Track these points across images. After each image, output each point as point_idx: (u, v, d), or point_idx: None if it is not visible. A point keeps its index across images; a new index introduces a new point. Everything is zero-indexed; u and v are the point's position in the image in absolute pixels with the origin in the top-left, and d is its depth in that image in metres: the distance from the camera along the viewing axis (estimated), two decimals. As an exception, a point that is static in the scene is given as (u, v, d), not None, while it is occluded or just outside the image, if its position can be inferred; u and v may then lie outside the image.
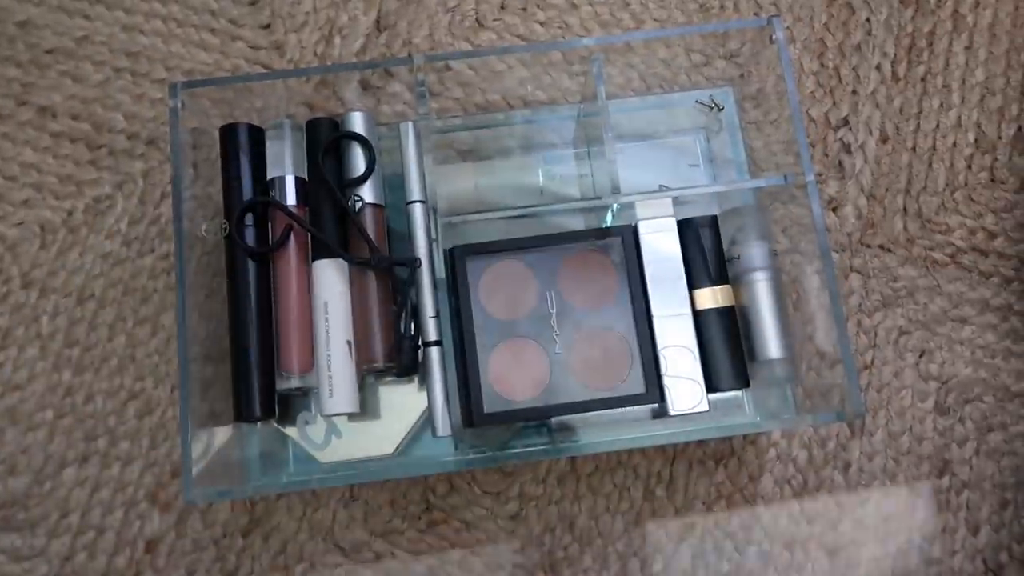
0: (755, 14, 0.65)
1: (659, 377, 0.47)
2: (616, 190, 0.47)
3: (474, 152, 0.62)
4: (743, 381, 0.48)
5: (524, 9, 0.66)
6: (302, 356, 0.49)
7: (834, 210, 0.62)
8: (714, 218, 0.49)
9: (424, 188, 0.51)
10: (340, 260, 0.49)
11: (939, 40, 0.65)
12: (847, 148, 0.63)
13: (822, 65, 0.65)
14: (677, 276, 0.48)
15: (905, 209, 0.62)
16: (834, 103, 0.64)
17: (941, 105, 0.64)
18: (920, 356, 0.59)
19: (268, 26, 0.65)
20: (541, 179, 0.57)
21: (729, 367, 0.48)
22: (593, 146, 0.55)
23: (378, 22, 0.65)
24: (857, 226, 0.61)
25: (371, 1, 0.66)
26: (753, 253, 0.48)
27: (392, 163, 0.54)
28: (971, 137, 0.63)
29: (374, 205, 0.50)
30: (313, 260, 0.49)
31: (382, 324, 0.49)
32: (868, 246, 0.61)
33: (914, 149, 0.63)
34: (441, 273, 0.47)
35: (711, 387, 0.47)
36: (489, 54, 0.55)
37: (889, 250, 0.61)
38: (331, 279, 0.49)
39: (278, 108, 0.63)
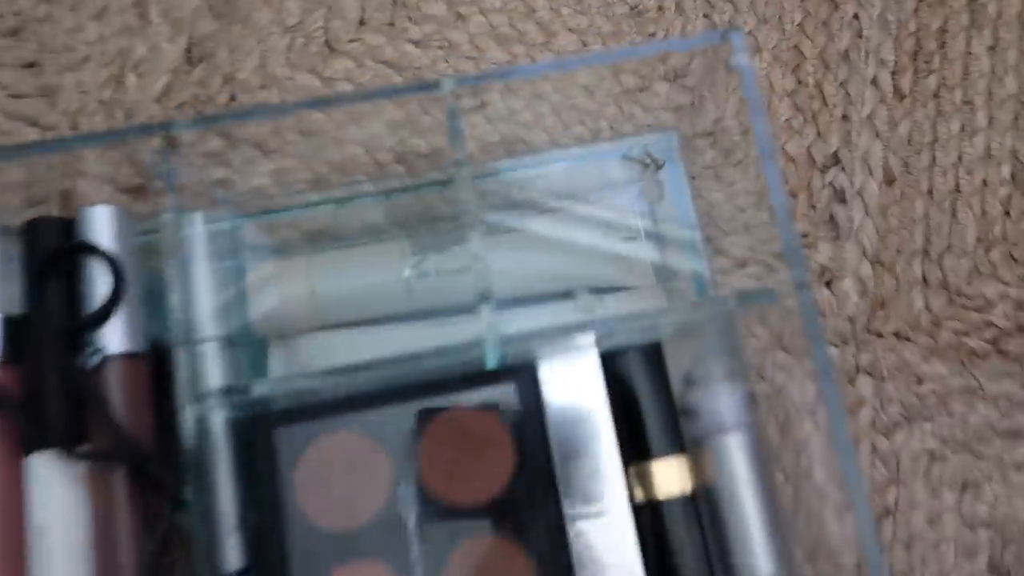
0: (704, 16, 0.48)
1: (583, 613, 0.30)
2: (485, 297, 0.30)
3: (328, 234, 0.44)
4: (715, 613, 0.30)
5: (391, 24, 0.47)
6: (11, 613, 0.30)
7: (828, 284, 0.45)
8: (657, 347, 0.32)
9: (213, 314, 0.33)
10: (67, 454, 0.30)
11: (954, 40, 0.48)
12: (840, 196, 0.46)
13: (799, 82, 0.47)
14: (605, 444, 0.31)
15: (925, 278, 0.45)
16: (818, 134, 0.47)
17: (963, 129, 0.47)
18: (962, 492, 0.42)
19: (35, 64, 0.47)
20: (407, 275, 0.39)
21: (693, 592, 0.30)
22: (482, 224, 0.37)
23: (189, 51, 0.47)
24: (861, 307, 0.44)
25: (179, 23, 0.47)
26: (721, 403, 0.31)
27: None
28: (1006, 171, 0.46)
29: (127, 356, 0.32)
30: (27, 454, 0.31)
31: (137, 555, 0.30)
32: (879, 335, 0.44)
33: (931, 193, 0.46)
34: (224, 457, 0.29)
35: (666, 623, 0.30)
36: (263, 116, 0.36)
37: (908, 339, 0.44)
38: (51, 487, 0.30)
39: (47, 183, 0.45)
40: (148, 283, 0.34)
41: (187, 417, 0.29)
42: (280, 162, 0.46)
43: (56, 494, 0.30)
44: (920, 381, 0.43)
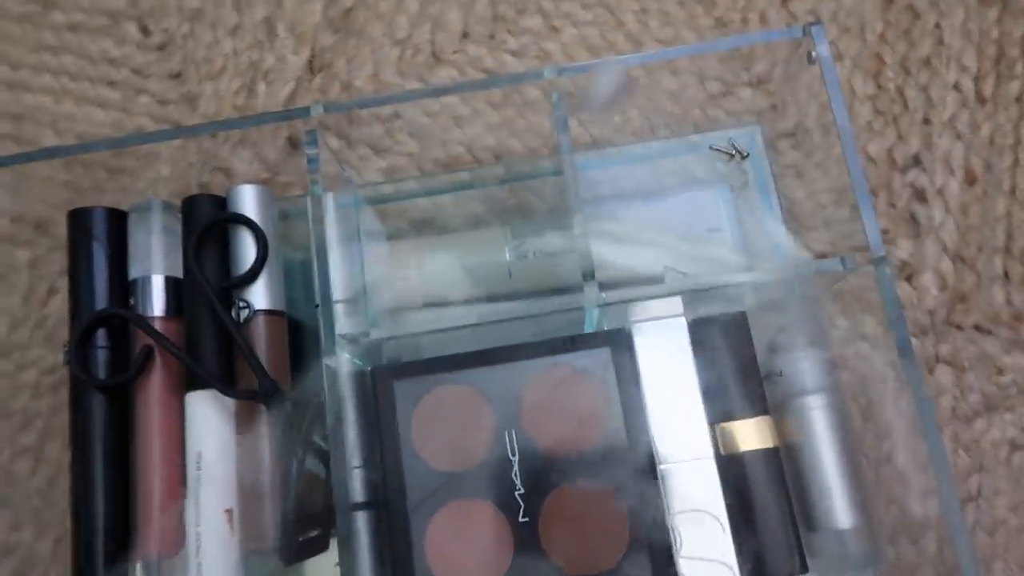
0: (787, 25, 0.51)
1: (670, 559, 0.32)
2: (588, 277, 0.33)
3: (433, 223, 0.48)
4: (797, 563, 0.32)
5: (492, 37, 0.52)
6: (166, 531, 0.35)
7: (908, 279, 0.46)
8: (742, 316, 0.35)
9: (341, 282, 0.38)
10: (220, 393, 0.35)
11: (1037, 47, 0.49)
12: (921, 195, 0.47)
13: (880, 87, 0.50)
14: (692, 404, 0.34)
15: (1007, 274, 0.46)
16: (899, 136, 0.49)
17: (1046, 132, 0.48)
18: (1044, 480, 0.43)
19: (179, 75, 0.53)
20: (508, 257, 0.42)
21: (776, 543, 0.32)
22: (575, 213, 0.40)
23: (311, 62, 0.53)
24: (942, 300, 0.46)
25: (303, 37, 0.53)
26: (803, 368, 0.33)
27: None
28: (1091, 173, 0.47)
29: (270, 312, 0.37)
30: (187, 392, 0.36)
31: (278, 484, 0.35)
32: (959, 327, 0.45)
33: (1013, 192, 0.47)
34: (350, 404, 0.33)
35: (750, 572, 0.32)
36: (400, 101, 0.41)
37: (989, 332, 0.45)
38: (207, 420, 0.35)
39: (187, 177, 0.51)
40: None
41: (326, 364, 0.33)
42: (391, 160, 0.50)
43: (211, 426, 0.35)
44: (1001, 372, 0.44)
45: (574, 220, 0.34)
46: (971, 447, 0.43)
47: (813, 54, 0.34)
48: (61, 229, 0.43)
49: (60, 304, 0.49)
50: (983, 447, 0.43)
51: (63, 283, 0.48)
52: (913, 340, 0.45)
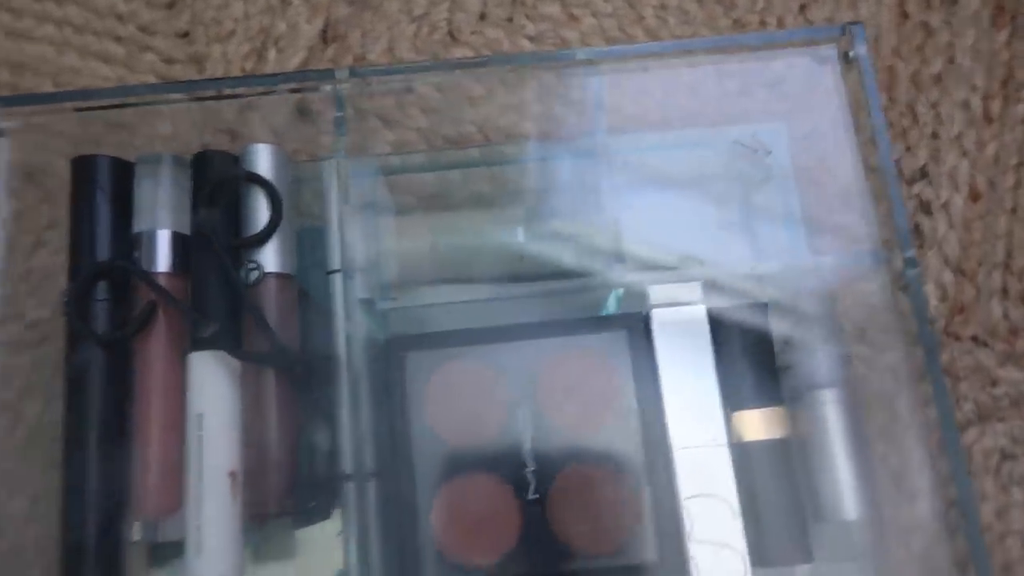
0: (806, 32, 0.51)
1: (679, 542, 0.32)
2: (619, 259, 0.33)
3: (440, 199, 0.47)
4: (802, 553, 0.32)
5: (510, 20, 0.52)
6: (164, 492, 0.34)
7: (908, 288, 0.47)
8: (763, 307, 0.35)
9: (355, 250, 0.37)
10: (226, 353, 0.34)
11: (1043, 70, 0.50)
12: (926, 207, 0.48)
13: (891, 100, 0.50)
14: (708, 391, 0.33)
15: (1005, 290, 0.47)
16: (908, 148, 0.49)
17: (1049, 154, 0.49)
18: (1031, 491, 0.43)
19: (187, 35, 0.52)
20: (521, 238, 0.42)
21: (782, 531, 0.32)
22: (591, 197, 0.40)
23: (325, 32, 0.52)
24: (941, 310, 0.46)
25: (317, 7, 0.52)
26: (818, 362, 0.33)
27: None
28: (1088, 196, 0.48)
29: (280, 275, 0.36)
30: (190, 352, 0.35)
31: (282, 449, 0.34)
32: (957, 338, 0.46)
33: (1014, 211, 0.48)
34: (364, 372, 0.32)
35: (756, 559, 0.32)
36: (433, 69, 0.40)
37: (985, 344, 0.46)
38: (211, 380, 0.34)
39: (188, 137, 0.49)
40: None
41: (344, 330, 0.32)
42: (400, 134, 0.50)
43: (215, 387, 0.34)
44: (995, 384, 0.45)
45: (604, 201, 0.33)
46: (962, 454, 0.44)
47: (851, 54, 0.34)
48: (52, 180, 0.42)
49: (47, 258, 0.47)
50: (974, 455, 0.44)
51: (51, 236, 0.46)
52: (912, 348, 0.46)
